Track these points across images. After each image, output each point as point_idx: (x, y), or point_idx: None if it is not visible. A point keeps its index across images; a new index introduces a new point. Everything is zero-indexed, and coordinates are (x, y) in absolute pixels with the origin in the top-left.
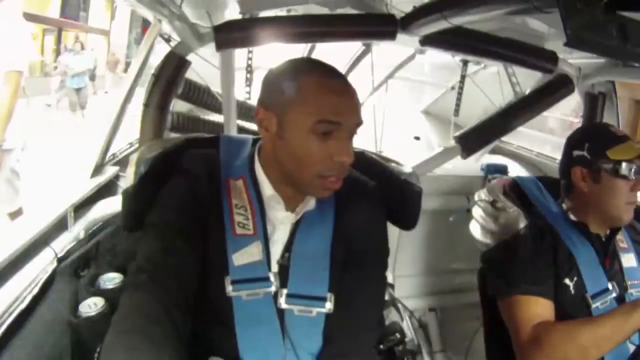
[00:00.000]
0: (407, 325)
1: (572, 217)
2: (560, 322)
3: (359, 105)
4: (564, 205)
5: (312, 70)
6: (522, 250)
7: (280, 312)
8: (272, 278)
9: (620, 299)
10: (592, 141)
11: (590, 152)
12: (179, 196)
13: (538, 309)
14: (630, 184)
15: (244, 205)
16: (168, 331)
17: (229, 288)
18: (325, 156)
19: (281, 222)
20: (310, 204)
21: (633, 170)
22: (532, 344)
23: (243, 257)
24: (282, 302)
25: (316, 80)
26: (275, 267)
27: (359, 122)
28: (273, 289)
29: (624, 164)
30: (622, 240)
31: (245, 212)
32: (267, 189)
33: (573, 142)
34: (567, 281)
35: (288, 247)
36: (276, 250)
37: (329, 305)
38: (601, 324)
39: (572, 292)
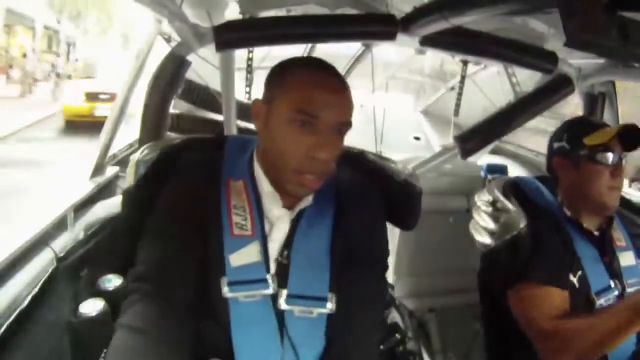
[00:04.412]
0: (407, 326)
1: (567, 213)
2: (578, 314)
3: (347, 104)
4: (559, 200)
5: (303, 64)
6: (533, 244)
7: (280, 313)
8: (269, 280)
9: (621, 298)
10: (570, 131)
11: (568, 142)
12: (176, 200)
13: (557, 300)
14: (610, 169)
15: (243, 206)
16: (173, 334)
17: (225, 289)
18: (302, 150)
19: (279, 219)
20: (308, 200)
21: (611, 155)
22: (554, 337)
23: (240, 258)
24: (282, 303)
25: (303, 72)
26: (273, 267)
27: (343, 121)
28: (271, 291)
29: (600, 149)
30: (619, 238)
31: (243, 213)
32: (265, 185)
33: (554, 136)
34: (571, 276)
35: (287, 245)
36: (274, 248)
37: (330, 306)
38: (617, 314)
39: (577, 287)
